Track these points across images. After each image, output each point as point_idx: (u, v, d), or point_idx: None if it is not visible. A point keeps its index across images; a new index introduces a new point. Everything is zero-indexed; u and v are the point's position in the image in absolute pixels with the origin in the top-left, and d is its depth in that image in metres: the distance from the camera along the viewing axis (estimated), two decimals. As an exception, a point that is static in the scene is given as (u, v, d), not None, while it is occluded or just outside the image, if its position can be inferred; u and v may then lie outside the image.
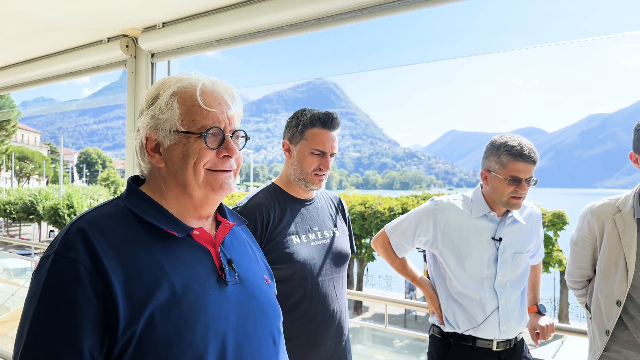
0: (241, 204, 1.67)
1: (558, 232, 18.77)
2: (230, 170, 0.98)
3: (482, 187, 1.94)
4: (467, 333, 1.86)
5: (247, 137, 1.01)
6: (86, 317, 0.79)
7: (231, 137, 0.97)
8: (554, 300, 20.54)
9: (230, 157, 0.96)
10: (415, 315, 21.28)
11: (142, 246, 0.88)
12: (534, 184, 1.81)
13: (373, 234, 20.36)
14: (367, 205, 20.82)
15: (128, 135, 3.12)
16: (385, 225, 2.07)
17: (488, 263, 1.85)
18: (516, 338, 1.91)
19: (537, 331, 2.04)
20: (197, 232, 0.96)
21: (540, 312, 2.07)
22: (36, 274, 0.84)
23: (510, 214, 1.89)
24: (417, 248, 2.06)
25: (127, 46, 2.96)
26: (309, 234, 1.69)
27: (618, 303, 1.73)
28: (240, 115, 1.02)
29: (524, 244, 1.92)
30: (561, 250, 18.95)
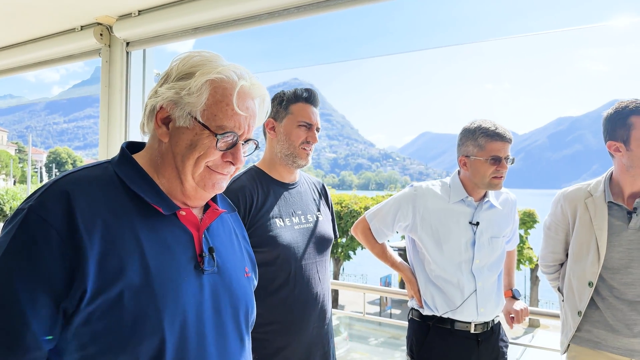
0: None
1: (529, 231, 19.30)
2: (227, 174, 0.96)
3: (459, 173, 1.97)
4: (445, 316, 1.89)
5: (257, 146, 0.98)
6: (47, 279, 0.76)
7: (243, 144, 0.94)
8: (525, 297, 21.09)
9: (233, 164, 0.94)
10: (390, 314, 21.50)
11: (124, 218, 0.85)
12: (512, 163, 1.87)
13: (349, 233, 20.41)
14: (343, 205, 20.90)
15: (102, 128, 3.02)
16: (366, 212, 2.09)
17: (466, 247, 1.89)
18: (493, 321, 1.95)
19: (512, 315, 2.08)
20: (184, 213, 0.92)
21: (514, 296, 2.12)
22: (7, 224, 0.81)
23: (487, 199, 1.94)
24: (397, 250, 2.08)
25: (101, 34, 2.89)
26: (293, 218, 1.68)
27: (590, 284, 1.78)
28: (262, 121, 1.00)
29: (500, 228, 1.96)
30: (532, 248, 19.48)
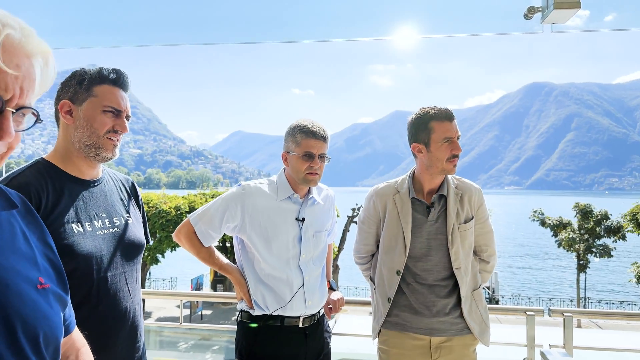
0: None
1: (330, 225, 21.16)
2: None
3: (285, 171, 1.98)
4: (275, 313, 1.88)
5: (38, 119, 0.76)
6: None
7: (14, 113, 0.71)
8: (328, 286, 23.02)
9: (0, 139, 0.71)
10: (201, 315, 20.99)
11: None
12: (328, 162, 1.96)
13: (157, 234, 19.20)
14: (151, 205, 19.52)
15: None
16: (189, 215, 1.95)
17: (293, 243, 1.90)
18: (319, 313, 2.01)
19: (330, 306, 2.18)
20: None
21: (332, 287, 2.22)
22: None
23: (311, 195, 1.99)
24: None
25: None
26: (95, 222, 1.41)
27: (398, 272, 1.97)
28: (46, 88, 0.77)
29: (323, 223, 2.03)
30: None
